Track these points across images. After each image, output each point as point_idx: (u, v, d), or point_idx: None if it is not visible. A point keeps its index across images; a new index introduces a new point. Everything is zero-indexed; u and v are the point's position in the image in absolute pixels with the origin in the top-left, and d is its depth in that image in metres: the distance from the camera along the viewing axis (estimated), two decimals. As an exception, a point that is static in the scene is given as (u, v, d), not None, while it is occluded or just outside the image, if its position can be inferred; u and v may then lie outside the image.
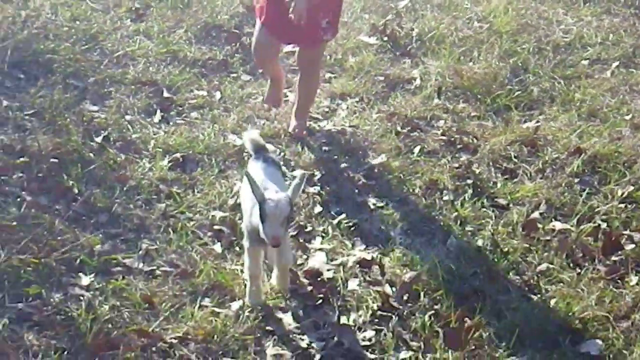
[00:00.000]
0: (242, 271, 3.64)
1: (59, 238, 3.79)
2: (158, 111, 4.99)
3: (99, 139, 4.57)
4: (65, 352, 3.21)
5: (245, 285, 3.57)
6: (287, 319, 3.49)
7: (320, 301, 3.60)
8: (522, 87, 5.48)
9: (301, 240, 3.96)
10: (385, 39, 6.04)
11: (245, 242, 3.52)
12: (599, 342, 3.45)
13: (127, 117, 4.87)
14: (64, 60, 5.36)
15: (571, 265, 3.90)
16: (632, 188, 4.42)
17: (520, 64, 5.75)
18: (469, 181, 4.48)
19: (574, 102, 5.32)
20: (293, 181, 3.39)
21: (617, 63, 5.84)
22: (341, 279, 3.73)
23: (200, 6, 6.29)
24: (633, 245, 4.00)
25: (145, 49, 5.65)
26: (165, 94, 5.17)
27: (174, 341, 3.34)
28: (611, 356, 3.37)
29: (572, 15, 6.56)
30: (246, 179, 3.41)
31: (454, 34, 6.12)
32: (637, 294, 3.69)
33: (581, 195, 4.37)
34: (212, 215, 4.08)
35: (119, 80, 5.25)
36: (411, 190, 4.40)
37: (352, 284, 3.71)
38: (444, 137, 4.88)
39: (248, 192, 3.42)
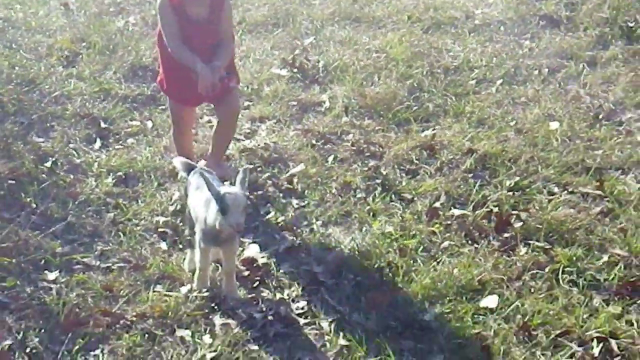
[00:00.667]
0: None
1: (24, 244, 4.31)
2: (98, 139, 5.50)
3: (48, 164, 5.06)
4: (42, 330, 3.73)
5: (192, 274, 4.12)
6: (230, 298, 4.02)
7: (257, 283, 4.12)
8: (419, 103, 5.99)
9: (235, 237, 4.52)
10: (295, 70, 6.52)
11: (200, 243, 3.92)
12: (496, 297, 3.98)
13: (71, 146, 5.37)
14: (8, 100, 5.84)
15: (469, 242, 4.43)
16: (517, 178, 4.98)
17: (415, 85, 6.26)
18: (378, 181, 5.01)
19: (464, 113, 5.84)
20: (238, 176, 3.82)
21: (500, 81, 6.35)
22: (274, 263, 4.30)
23: (125, 50, 6.79)
24: (521, 223, 4.54)
25: (79, 89, 6.14)
26: (103, 125, 5.67)
27: (135, 318, 3.85)
28: (506, 308, 3.90)
29: (459, 44, 7.08)
30: (194, 187, 3.95)
31: (355, 63, 6.62)
32: (526, 261, 4.22)
33: (475, 187, 4.88)
34: (156, 220, 4.60)
35: (60, 116, 5.74)
36: (328, 191, 4.92)
37: (284, 267, 4.27)
38: (353, 148, 5.39)
39: (198, 198, 3.90)
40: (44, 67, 6.48)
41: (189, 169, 4.22)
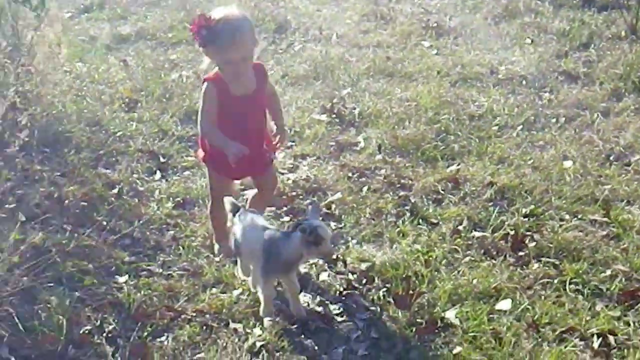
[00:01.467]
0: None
1: (97, 252, 4.98)
2: (158, 171, 6.13)
3: (115, 190, 5.74)
4: (116, 320, 4.37)
5: (243, 280, 4.75)
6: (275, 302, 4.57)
7: (300, 290, 4.73)
8: (445, 144, 6.52)
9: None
10: (334, 116, 7.06)
11: (263, 277, 4.36)
12: (509, 301, 4.52)
13: (135, 176, 6.01)
14: (78, 137, 6.52)
15: (488, 258, 4.96)
16: (532, 207, 5.50)
17: (442, 129, 6.78)
18: (407, 207, 5.55)
19: (486, 153, 6.35)
20: (311, 210, 4.40)
21: (520, 127, 6.86)
22: (314, 272, 4.92)
23: (180, 98, 7.44)
24: (534, 243, 5.07)
25: (140, 130, 6.79)
26: (162, 160, 6.30)
27: (194, 314, 4.45)
28: (518, 310, 4.45)
29: (484, 95, 7.60)
30: (245, 226, 4.47)
31: (388, 110, 7.16)
32: (537, 273, 4.75)
33: (494, 213, 5.40)
34: (211, 238, 5.26)
35: (124, 152, 6.39)
36: (362, 215, 5.48)
37: (323, 276, 4.88)
38: (385, 180, 5.94)
39: (256, 236, 4.39)
40: (108, 112, 7.15)
41: (235, 210, 4.66)
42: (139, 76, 8.17)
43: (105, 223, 5.30)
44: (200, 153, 4.96)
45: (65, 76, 8.10)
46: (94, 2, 11.50)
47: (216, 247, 5.12)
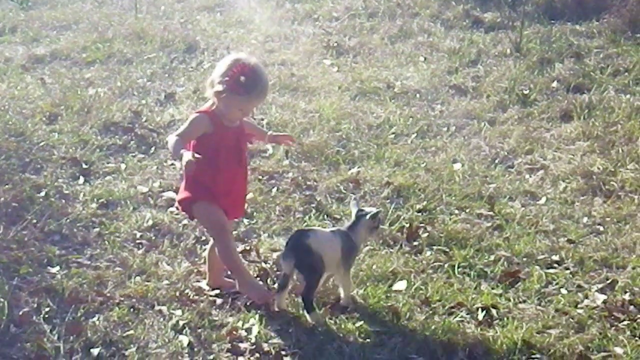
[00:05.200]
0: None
1: (30, 245, 5.42)
2: (81, 177, 6.52)
3: (42, 194, 6.14)
4: (51, 304, 4.79)
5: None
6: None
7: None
8: (346, 150, 7.09)
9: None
10: None
11: (347, 271, 4.80)
12: (405, 282, 5.07)
13: (60, 181, 6.40)
14: (5, 147, 6.90)
15: (386, 247, 5.51)
16: (425, 203, 6.10)
17: (344, 137, 7.34)
18: (313, 205, 6.09)
19: (384, 158, 6.92)
20: (353, 204, 4.98)
21: (415, 135, 7.44)
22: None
23: (98, 111, 7.83)
24: (427, 234, 5.66)
25: (62, 140, 7.16)
26: (84, 166, 6.70)
27: (122, 298, 4.88)
28: (413, 289, 4.98)
29: (381, 107, 8.18)
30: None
31: (293, 120, 7.68)
32: (429, 259, 5.33)
33: (391, 209, 5.96)
34: (134, 234, 5.68)
35: (48, 159, 6.77)
36: (272, 213, 5.99)
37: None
38: (292, 182, 6.45)
39: (330, 243, 4.71)
40: (30, 124, 7.50)
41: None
42: (57, 92, 8.53)
43: (35, 221, 5.71)
44: (185, 196, 4.85)
45: (-14, 93, 8.43)
46: (5, 25, 11.82)
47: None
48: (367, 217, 4.81)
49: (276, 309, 4.78)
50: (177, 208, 5.19)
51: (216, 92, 4.61)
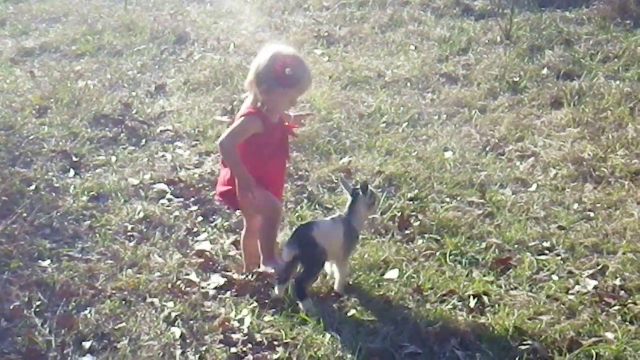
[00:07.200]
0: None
1: (20, 239, 5.40)
2: (71, 169, 6.51)
3: (32, 187, 6.13)
4: (42, 298, 4.78)
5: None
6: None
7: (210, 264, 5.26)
8: (337, 139, 7.10)
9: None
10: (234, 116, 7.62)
11: (345, 259, 4.85)
12: (397, 270, 5.07)
13: (50, 174, 6.39)
14: (-7, 142, 6.90)
15: (378, 236, 5.52)
16: (417, 191, 6.11)
17: (335, 126, 7.35)
18: (305, 195, 6.10)
19: (375, 147, 6.93)
20: (344, 182, 5.07)
21: (406, 124, 7.46)
22: (220, 251, 5.42)
23: (88, 103, 7.84)
24: (418, 222, 5.67)
25: (52, 133, 7.14)
26: (75, 159, 6.69)
27: (114, 291, 4.87)
28: (405, 278, 4.98)
29: (372, 96, 8.19)
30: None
31: None
32: (421, 248, 5.33)
33: (382, 198, 5.93)
34: (125, 226, 5.68)
35: (38, 152, 6.76)
36: None
37: (231, 254, 5.41)
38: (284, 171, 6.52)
39: (333, 231, 4.77)
40: (20, 117, 7.49)
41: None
42: (46, 85, 8.51)
43: (25, 215, 5.69)
44: (224, 190, 4.99)
45: (-25, 87, 8.40)
46: (-6, 19, 11.77)
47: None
48: (361, 193, 4.84)
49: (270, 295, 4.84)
50: (219, 201, 5.39)
51: (266, 90, 4.65)
